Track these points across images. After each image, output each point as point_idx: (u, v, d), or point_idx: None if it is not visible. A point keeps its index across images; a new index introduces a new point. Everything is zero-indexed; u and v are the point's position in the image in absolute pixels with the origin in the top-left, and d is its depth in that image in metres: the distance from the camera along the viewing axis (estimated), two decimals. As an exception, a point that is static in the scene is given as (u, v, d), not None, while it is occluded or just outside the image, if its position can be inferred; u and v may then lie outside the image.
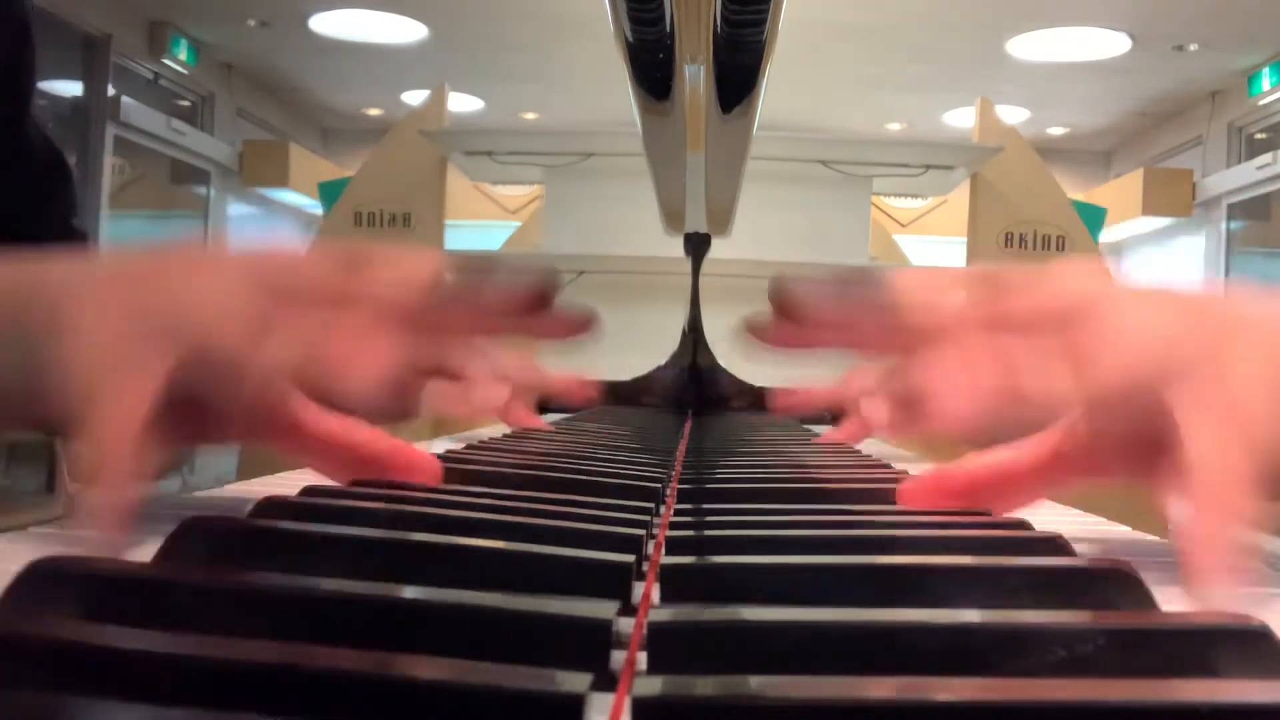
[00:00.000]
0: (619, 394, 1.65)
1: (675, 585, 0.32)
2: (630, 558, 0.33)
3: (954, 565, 0.34)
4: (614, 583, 0.31)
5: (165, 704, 0.20)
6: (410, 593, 0.28)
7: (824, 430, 1.04)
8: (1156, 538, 0.54)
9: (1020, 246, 2.39)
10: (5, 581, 0.27)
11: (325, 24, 4.79)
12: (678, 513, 0.46)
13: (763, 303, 0.42)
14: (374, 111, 6.27)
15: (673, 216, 1.19)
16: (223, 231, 5.63)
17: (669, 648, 0.25)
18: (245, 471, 2.49)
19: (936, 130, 6.11)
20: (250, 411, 0.40)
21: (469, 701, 0.20)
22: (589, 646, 0.25)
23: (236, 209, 5.77)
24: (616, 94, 0.78)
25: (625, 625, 0.28)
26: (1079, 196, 4.48)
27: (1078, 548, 0.39)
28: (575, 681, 0.21)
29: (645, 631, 0.27)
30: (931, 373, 0.38)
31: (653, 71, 0.68)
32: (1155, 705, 0.21)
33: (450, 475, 0.53)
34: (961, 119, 5.73)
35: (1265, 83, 4.90)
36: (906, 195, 3.85)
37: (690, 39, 0.61)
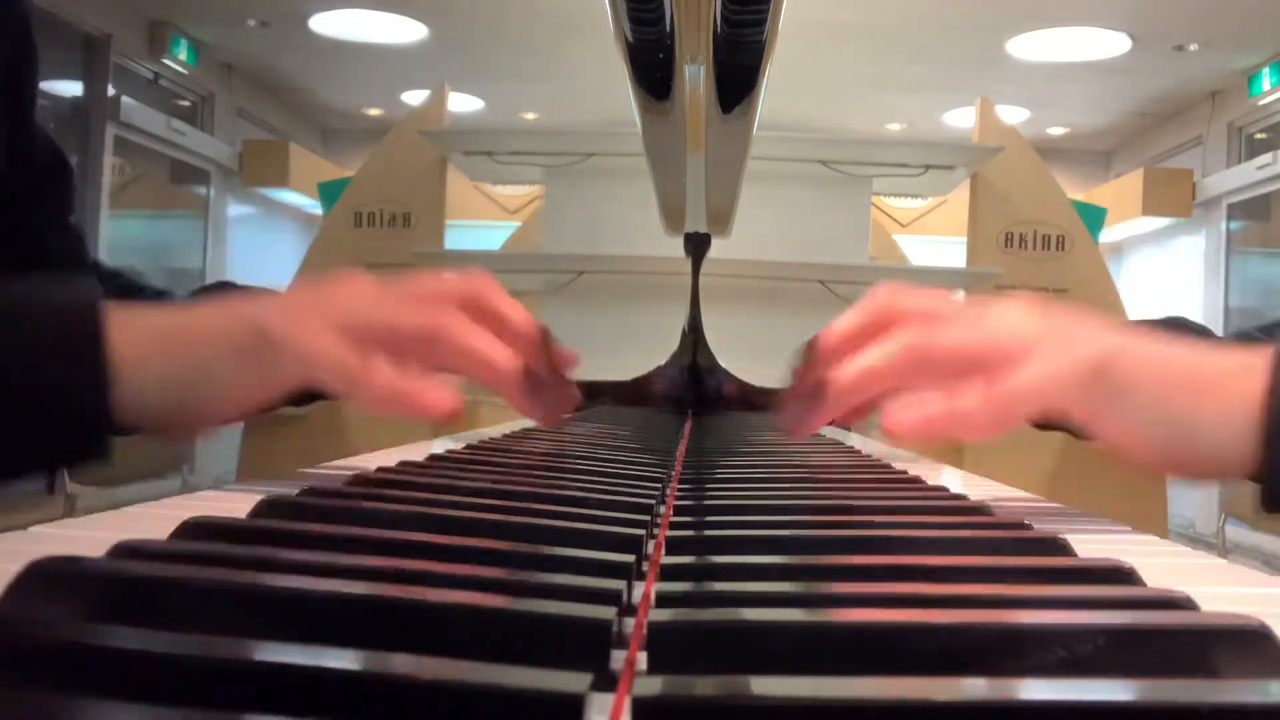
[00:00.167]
0: (619, 394, 1.65)
1: (675, 581, 0.32)
2: (630, 557, 0.33)
3: (954, 565, 0.34)
4: (614, 583, 0.31)
5: (165, 704, 0.20)
6: (411, 593, 0.28)
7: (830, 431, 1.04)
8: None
9: (1020, 246, 2.39)
10: (5, 581, 0.27)
11: (325, 24, 4.79)
12: (678, 511, 0.46)
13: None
14: (374, 111, 6.27)
15: (673, 216, 1.19)
16: (222, 231, 5.63)
17: (669, 648, 0.25)
18: (245, 472, 2.50)
19: (936, 130, 6.11)
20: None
21: (469, 701, 0.20)
22: (589, 646, 0.25)
23: (236, 209, 5.76)
24: (617, 94, 0.78)
25: (625, 625, 0.28)
26: (1079, 196, 4.48)
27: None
28: (575, 681, 0.21)
29: (645, 631, 0.27)
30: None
31: (653, 71, 0.68)
32: (1155, 705, 0.21)
33: (452, 473, 0.53)
34: (961, 119, 5.72)
35: (1265, 83, 4.89)
36: (906, 195, 3.85)
37: (690, 39, 0.61)
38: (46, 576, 0.27)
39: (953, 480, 0.76)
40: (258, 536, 0.36)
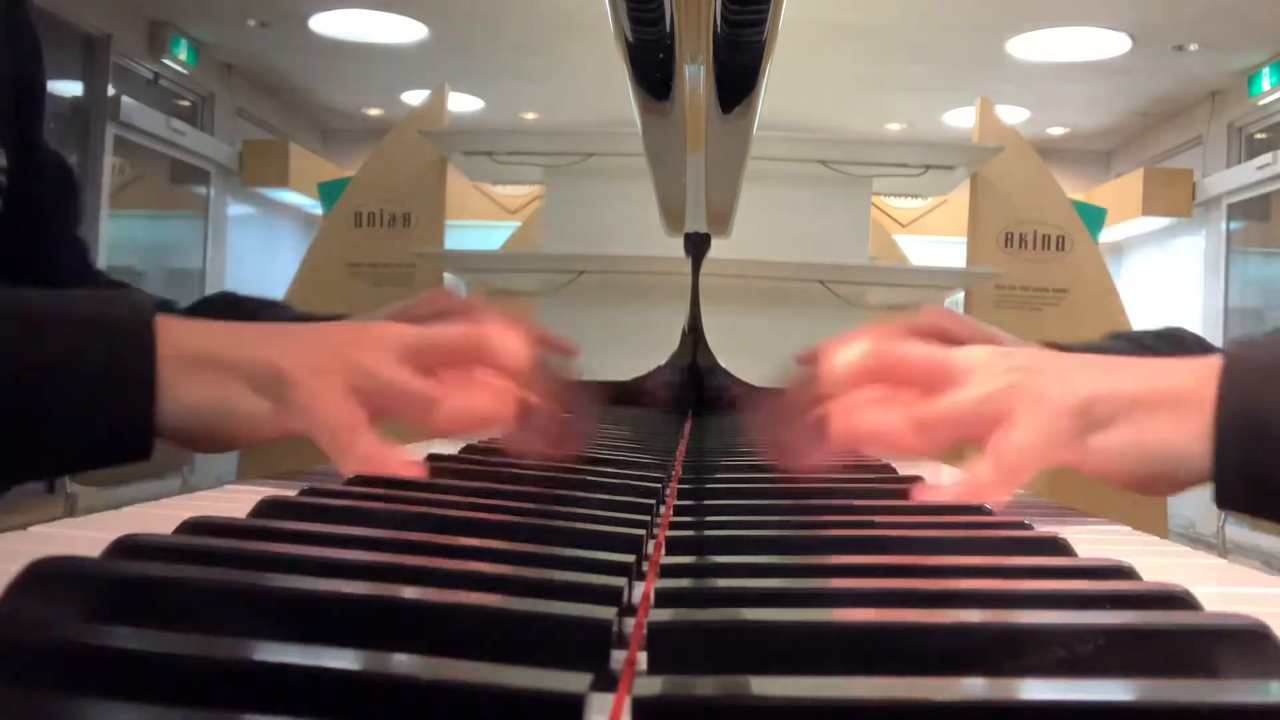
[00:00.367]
0: (619, 394, 1.65)
1: (675, 580, 0.32)
2: (630, 557, 0.33)
3: (954, 565, 0.34)
4: (615, 582, 0.31)
5: (165, 704, 0.20)
6: (411, 593, 0.28)
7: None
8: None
9: (1020, 246, 2.39)
10: (5, 581, 0.27)
11: (325, 24, 4.78)
12: (678, 511, 0.46)
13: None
14: (374, 111, 6.26)
15: (673, 216, 1.19)
16: (222, 231, 5.62)
17: (669, 647, 0.25)
18: (245, 472, 2.50)
19: (936, 130, 6.10)
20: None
21: (469, 701, 0.20)
22: (589, 646, 0.25)
23: (236, 209, 5.76)
24: (617, 94, 0.78)
25: (625, 625, 0.28)
26: (1079, 196, 4.48)
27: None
28: (575, 681, 0.21)
29: (645, 631, 0.27)
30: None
31: (653, 71, 0.68)
32: (1155, 705, 0.21)
33: (452, 473, 0.53)
34: (961, 119, 5.72)
35: (1265, 83, 4.89)
36: (906, 195, 3.85)
37: (690, 39, 0.61)
38: (46, 576, 0.27)
39: (953, 481, 0.76)
40: (258, 536, 0.36)
